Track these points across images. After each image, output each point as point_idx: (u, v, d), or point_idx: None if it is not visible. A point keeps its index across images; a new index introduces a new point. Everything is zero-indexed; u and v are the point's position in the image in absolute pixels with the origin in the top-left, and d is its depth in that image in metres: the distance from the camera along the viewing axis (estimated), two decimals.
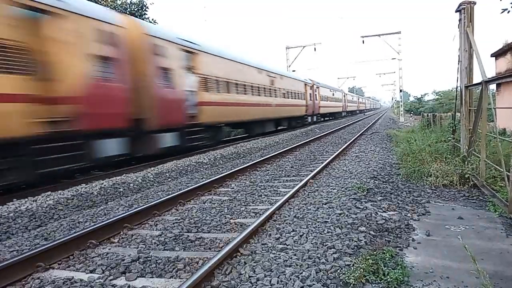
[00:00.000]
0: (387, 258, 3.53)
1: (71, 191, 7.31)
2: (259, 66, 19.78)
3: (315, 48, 34.57)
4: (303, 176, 8.01)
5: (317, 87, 33.75)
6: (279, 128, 23.50)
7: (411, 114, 46.92)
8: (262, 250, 3.95)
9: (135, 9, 22.97)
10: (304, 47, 35.38)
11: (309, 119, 30.46)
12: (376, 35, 33.86)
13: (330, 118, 42.19)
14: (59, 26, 7.64)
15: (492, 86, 15.66)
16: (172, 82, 11.44)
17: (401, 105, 41.70)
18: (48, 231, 5.19)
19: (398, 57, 36.87)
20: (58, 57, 7.58)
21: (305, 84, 29.61)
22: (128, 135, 9.61)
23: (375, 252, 3.65)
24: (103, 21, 8.94)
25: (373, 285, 3.13)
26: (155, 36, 10.90)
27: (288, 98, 24.51)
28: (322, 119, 37.34)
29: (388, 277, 3.18)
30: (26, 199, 6.68)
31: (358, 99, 76.47)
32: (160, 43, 11.04)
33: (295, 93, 26.14)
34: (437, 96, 54.96)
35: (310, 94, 30.41)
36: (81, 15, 8.26)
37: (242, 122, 17.69)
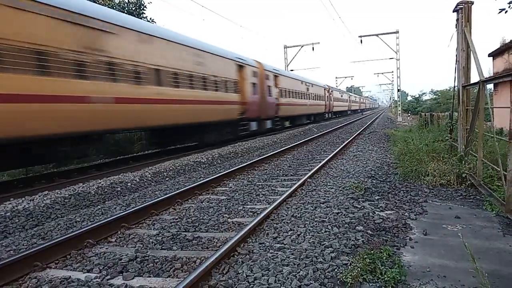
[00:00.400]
0: (384, 257, 3.53)
1: (68, 190, 7.30)
2: (302, 79, 29.98)
3: (313, 48, 34.60)
4: (301, 176, 8.01)
5: (331, 91, 42.39)
6: (305, 121, 32.35)
7: (409, 114, 47.02)
8: (260, 249, 3.96)
9: (133, 8, 22.90)
10: (302, 46, 35.39)
11: (326, 115, 40.90)
12: (374, 35, 33.88)
13: (338, 115, 50.27)
14: (244, 71, 17.56)
15: (490, 86, 15.72)
16: (271, 93, 21.22)
17: (399, 104, 41.76)
18: (45, 231, 5.18)
19: (396, 56, 36.94)
20: (243, 84, 17.40)
21: (324, 89, 38.49)
22: (256, 121, 19.11)
23: (372, 251, 3.65)
24: (252, 66, 19.02)
25: (370, 284, 3.14)
26: (266, 70, 20.78)
27: (315, 100, 34.06)
28: (335, 116, 47.12)
29: (386, 276, 3.19)
30: (23, 199, 6.66)
31: (360, 99, 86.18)
32: (267, 73, 20.98)
33: (319, 95, 35.56)
34: (434, 96, 55.19)
35: (327, 96, 39.31)
36: (248, 65, 18.37)
37: (293, 116, 27.59)
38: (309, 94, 31.36)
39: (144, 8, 23.71)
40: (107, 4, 20.65)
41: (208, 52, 14.33)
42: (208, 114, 14.07)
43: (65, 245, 4.18)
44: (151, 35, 11.11)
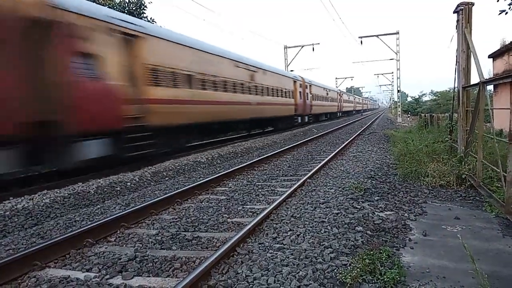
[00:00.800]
0: (384, 258, 3.53)
1: (67, 189, 7.29)
2: (323, 86, 38.55)
3: (313, 48, 34.65)
4: (301, 176, 8.01)
5: (342, 94, 51.74)
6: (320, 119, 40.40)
7: (409, 115, 47.04)
8: (259, 249, 3.95)
9: (133, 8, 22.90)
10: (302, 46, 35.43)
11: (338, 114, 49.10)
12: (374, 36, 33.90)
13: (345, 114, 56.53)
14: (296, 83, 27.27)
15: (490, 87, 15.72)
16: (307, 98, 30.00)
17: (399, 105, 41.78)
18: (45, 230, 5.17)
19: (396, 57, 36.96)
20: (296, 93, 26.93)
21: (337, 93, 47.78)
22: (301, 116, 28.23)
23: (372, 252, 3.65)
24: (299, 80, 28.56)
25: (370, 284, 3.13)
26: (305, 82, 29.68)
27: (332, 102, 43.18)
28: (343, 115, 54.84)
29: (385, 276, 3.18)
30: (23, 198, 6.66)
31: (363, 101, 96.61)
32: (306, 84, 29.83)
33: (334, 98, 44.64)
34: (434, 97, 55.22)
35: (339, 98, 48.16)
36: (297, 80, 28.11)
37: (318, 114, 35.99)
38: (328, 98, 41.01)
39: (145, 8, 23.72)
40: (107, 4, 20.64)
41: (282, 75, 25.09)
42: (282, 111, 23.71)
43: (64, 244, 4.17)
44: (265, 70, 21.04)
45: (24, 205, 6.27)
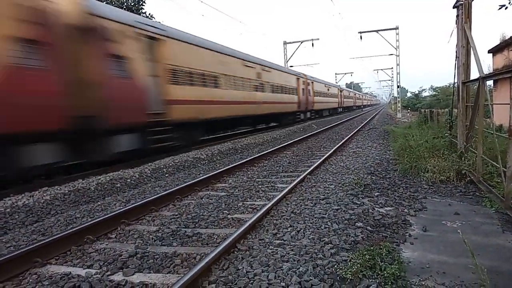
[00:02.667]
0: (384, 254, 3.54)
1: (68, 186, 7.30)
2: (324, 83, 38.96)
3: (312, 44, 34.54)
4: (301, 172, 8.02)
5: (342, 90, 53.50)
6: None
7: (409, 110, 47.01)
8: (260, 245, 3.96)
9: (132, 4, 22.79)
10: (302, 42, 35.34)
11: (338, 109, 49.61)
12: (374, 31, 33.77)
13: (346, 110, 58.06)
14: (299, 81, 28.31)
15: (489, 82, 15.71)
16: (310, 94, 31.37)
17: (399, 101, 41.74)
18: (45, 227, 5.18)
19: (396, 52, 36.86)
20: (299, 90, 28.07)
21: (338, 88, 49.17)
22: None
23: (372, 248, 3.65)
24: (302, 77, 29.48)
25: (370, 280, 3.14)
26: (307, 79, 31.25)
27: (333, 97, 43.58)
28: (344, 110, 56.38)
29: (385, 272, 3.19)
30: (23, 195, 6.67)
31: (363, 96, 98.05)
32: (307, 80, 30.99)
33: (335, 94, 45.00)
34: (434, 92, 55.21)
35: (339, 94, 49.43)
36: (300, 77, 29.08)
37: (318, 110, 36.21)
38: (329, 94, 42.31)
39: (143, 4, 23.60)
40: None
41: (287, 73, 26.09)
42: (286, 108, 25.29)
43: (65, 241, 4.18)
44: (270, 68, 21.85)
45: (24, 202, 6.28)
